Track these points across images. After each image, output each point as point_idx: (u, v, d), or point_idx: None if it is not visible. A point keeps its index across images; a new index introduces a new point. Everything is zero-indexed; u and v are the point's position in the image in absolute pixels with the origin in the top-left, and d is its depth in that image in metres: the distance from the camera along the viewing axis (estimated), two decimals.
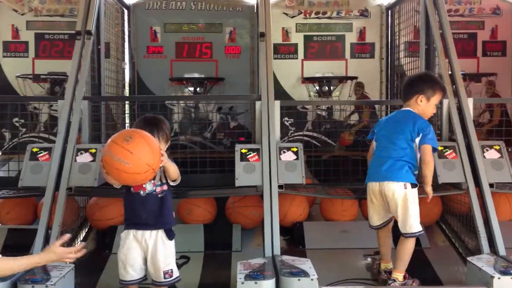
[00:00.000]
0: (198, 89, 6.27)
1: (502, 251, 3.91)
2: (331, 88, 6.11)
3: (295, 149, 4.37)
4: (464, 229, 4.60)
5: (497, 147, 4.40)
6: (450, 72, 4.75)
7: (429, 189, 3.77)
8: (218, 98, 6.34)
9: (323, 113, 6.36)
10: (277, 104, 4.56)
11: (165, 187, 3.35)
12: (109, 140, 3.05)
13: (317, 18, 6.55)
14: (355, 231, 4.64)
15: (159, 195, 3.32)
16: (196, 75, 6.49)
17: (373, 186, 3.82)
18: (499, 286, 3.35)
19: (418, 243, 4.52)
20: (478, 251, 4.08)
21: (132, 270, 3.33)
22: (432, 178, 3.77)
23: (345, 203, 4.74)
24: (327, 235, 4.63)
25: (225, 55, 6.56)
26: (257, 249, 4.46)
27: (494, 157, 4.35)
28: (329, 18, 6.55)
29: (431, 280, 4.03)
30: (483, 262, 3.68)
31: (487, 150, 4.37)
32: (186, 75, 6.49)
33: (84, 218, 4.87)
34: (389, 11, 6.52)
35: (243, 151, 4.33)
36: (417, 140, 3.73)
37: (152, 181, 3.29)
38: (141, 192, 3.30)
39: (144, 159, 2.98)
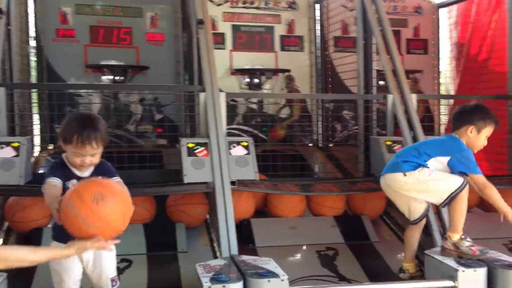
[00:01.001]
0: (117, 78, 5.80)
1: None
2: (262, 80, 5.96)
3: (245, 144, 4.18)
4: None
5: None
6: (392, 68, 4.79)
7: (510, 217, 3.60)
8: (154, 88, 5.88)
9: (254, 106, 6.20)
10: (223, 96, 4.32)
11: None
12: (74, 190, 2.54)
13: (245, 7, 6.37)
14: (304, 227, 4.55)
15: None
16: (113, 62, 6.02)
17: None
18: (464, 279, 3.38)
19: (367, 237, 4.56)
20: (427, 244, 4.09)
21: (73, 283, 2.97)
22: (499, 202, 3.60)
23: (294, 199, 4.62)
24: (277, 232, 4.48)
25: (147, 42, 6.17)
26: (204, 248, 4.22)
27: None
28: (257, 8, 6.40)
29: (385, 274, 4.02)
30: (441, 255, 3.69)
31: None
32: (103, 62, 5.99)
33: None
34: (317, 5, 6.49)
35: (190, 145, 4.06)
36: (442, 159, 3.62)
37: None
38: None
39: (113, 224, 2.52)
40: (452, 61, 6.86)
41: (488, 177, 5.02)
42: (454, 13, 6.79)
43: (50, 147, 5.90)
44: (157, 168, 4.98)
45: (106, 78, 5.91)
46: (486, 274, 3.41)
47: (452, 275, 3.42)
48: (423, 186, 3.61)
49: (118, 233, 2.59)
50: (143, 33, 6.20)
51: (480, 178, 3.57)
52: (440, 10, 6.93)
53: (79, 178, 2.92)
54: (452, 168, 3.60)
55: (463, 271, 3.39)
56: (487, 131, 3.65)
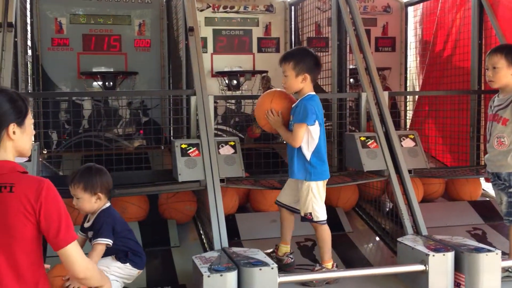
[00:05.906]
0: (107, 83, 6.05)
1: (424, 231, 4.29)
2: (240, 81, 6.27)
3: (232, 143, 4.48)
4: (378, 213, 5.01)
5: (412, 136, 4.84)
6: (365, 66, 5.03)
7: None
8: (148, 94, 6.20)
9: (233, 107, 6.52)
10: (211, 98, 4.62)
11: None
12: None
13: (225, 12, 6.65)
14: None
15: None
16: (103, 68, 6.28)
17: None
18: (434, 263, 3.67)
19: (342, 228, 4.87)
20: (396, 232, 4.45)
21: None
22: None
23: (275, 194, 4.91)
24: (259, 225, 4.80)
25: (135, 48, 6.43)
26: (194, 243, 4.55)
27: (410, 145, 4.80)
28: (237, 12, 6.69)
29: (360, 261, 4.35)
30: (413, 242, 3.99)
31: (403, 139, 4.80)
32: (94, 69, 6.25)
33: None
34: (292, 7, 6.80)
35: (183, 146, 4.34)
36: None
37: None
38: None
39: None
40: (417, 57, 7.18)
41: (452, 168, 5.44)
42: (419, 12, 7.11)
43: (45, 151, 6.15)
44: (144, 169, 5.24)
45: (97, 84, 6.16)
46: (453, 258, 3.71)
47: (423, 260, 3.69)
48: None
49: None
50: (132, 40, 6.45)
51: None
52: (408, 8, 7.23)
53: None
54: None
55: (433, 255, 3.66)
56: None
